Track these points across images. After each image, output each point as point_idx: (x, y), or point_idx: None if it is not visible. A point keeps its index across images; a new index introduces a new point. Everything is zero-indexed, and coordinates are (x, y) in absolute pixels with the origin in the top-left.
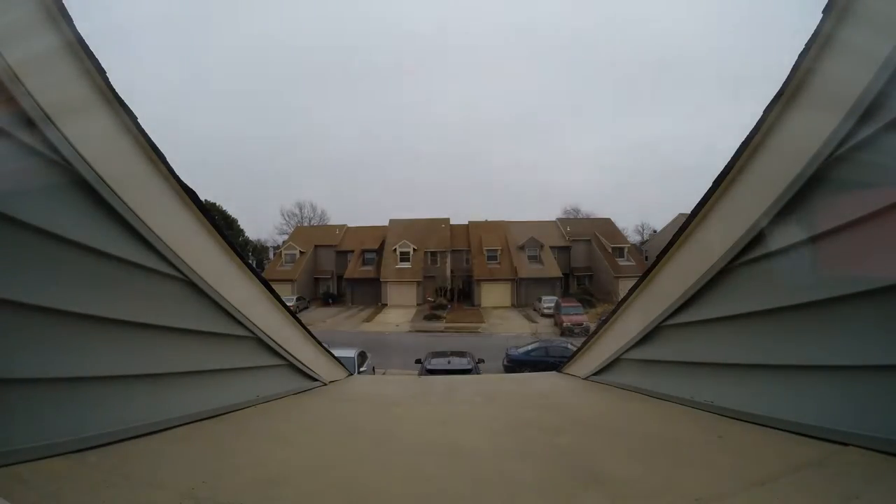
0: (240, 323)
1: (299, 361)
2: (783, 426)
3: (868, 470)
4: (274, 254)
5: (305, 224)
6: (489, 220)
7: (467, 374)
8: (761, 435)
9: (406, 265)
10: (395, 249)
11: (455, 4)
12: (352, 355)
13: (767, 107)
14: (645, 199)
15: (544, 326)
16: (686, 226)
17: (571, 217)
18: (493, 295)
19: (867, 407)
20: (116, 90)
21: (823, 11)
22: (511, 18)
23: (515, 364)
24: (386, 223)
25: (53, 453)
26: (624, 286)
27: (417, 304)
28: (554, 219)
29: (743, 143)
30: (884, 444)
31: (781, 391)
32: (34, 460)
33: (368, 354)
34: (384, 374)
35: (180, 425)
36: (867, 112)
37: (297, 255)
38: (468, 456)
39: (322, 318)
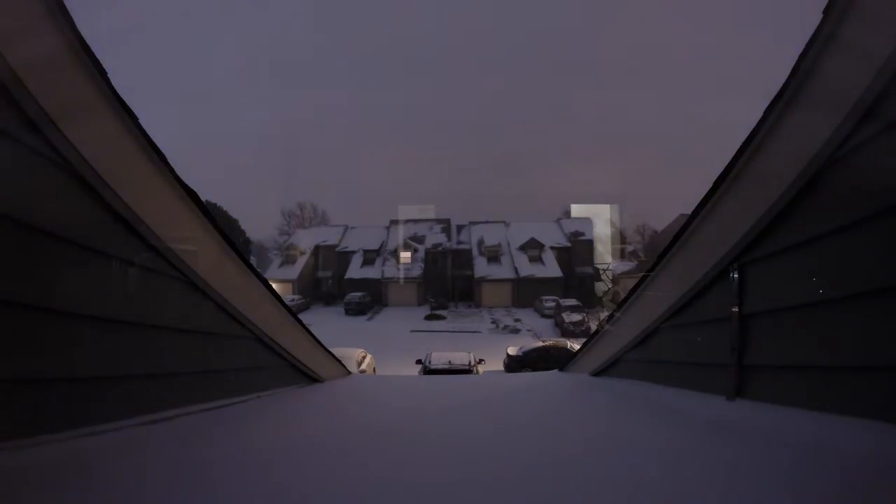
0: (240, 322)
1: (299, 361)
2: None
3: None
4: (275, 254)
5: (306, 224)
6: (490, 220)
7: (468, 373)
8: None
9: (407, 265)
10: (396, 250)
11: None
12: (352, 355)
13: (767, 107)
14: (645, 200)
15: (544, 326)
16: (686, 226)
17: (572, 217)
18: (494, 295)
19: (863, 405)
20: (118, 91)
21: (823, 11)
22: (518, 23)
23: (516, 364)
24: (387, 224)
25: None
26: (625, 286)
27: (418, 305)
28: (555, 219)
29: (743, 143)
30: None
31: (783, 391)
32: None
33: (369, 354)
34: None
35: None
36: (868, 113)
37: (298, 256)
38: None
39: (322, 319)
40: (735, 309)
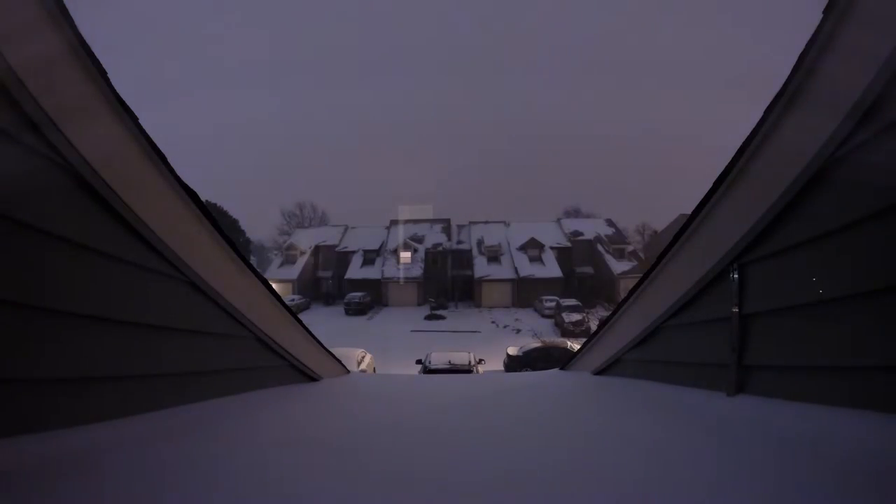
0: (240, 323)
1: (298, 361)
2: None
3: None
4: (275, 254)
5: (306, 225)
6: (490, 220)
7: (468, 373)
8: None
9: (407, 265)
10: (396, 250)
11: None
12: (352, 355)
13: (767, 108)
14: (645, 200)
15: (544, 326)
16: (686, 226)
17: (572, 217)
18: (494, 295)
19: (866, 404)
20: (118, 92)
21: (823, 11)
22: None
23: (516, 364)
24: (386, 224)
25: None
26: (625, 286)
27: (418, 305)
28: (555, 219)
29: (743, 143)
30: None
31: (784, 391)
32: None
33: (369, 354)
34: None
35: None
36: (868, 113)
37: (298, 256)
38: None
39: (323, 319)
40: (735, 309)
